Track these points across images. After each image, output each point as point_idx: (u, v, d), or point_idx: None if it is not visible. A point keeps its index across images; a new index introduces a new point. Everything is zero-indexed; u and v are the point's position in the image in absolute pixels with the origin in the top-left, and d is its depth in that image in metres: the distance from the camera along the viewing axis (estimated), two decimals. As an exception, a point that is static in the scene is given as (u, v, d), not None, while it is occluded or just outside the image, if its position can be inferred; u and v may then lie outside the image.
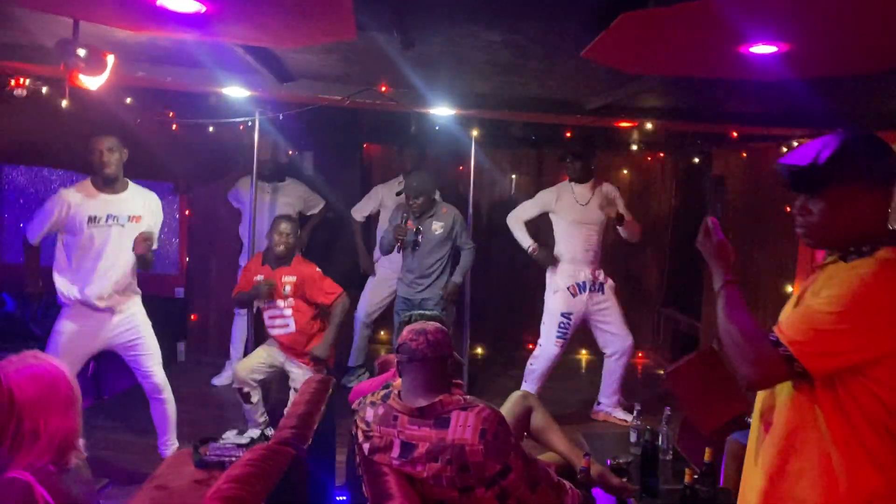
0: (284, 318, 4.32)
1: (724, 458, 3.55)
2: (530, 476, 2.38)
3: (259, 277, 4.35)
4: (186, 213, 6.19)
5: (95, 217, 3.77)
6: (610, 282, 5.10)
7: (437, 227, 4.85)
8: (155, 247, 3.97)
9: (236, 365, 4.37)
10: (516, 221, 5.11)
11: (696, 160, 6.18)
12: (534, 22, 2.33)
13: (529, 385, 5.05)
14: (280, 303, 4.32)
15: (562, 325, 4.99)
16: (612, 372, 5.11)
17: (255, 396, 4.29)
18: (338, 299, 4.31)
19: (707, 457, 3.20)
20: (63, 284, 3.79)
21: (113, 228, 3.81)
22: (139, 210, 3.88)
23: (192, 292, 6.30)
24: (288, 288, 4.31)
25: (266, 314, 4.38)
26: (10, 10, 2.54)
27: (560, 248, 5.06)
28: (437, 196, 5.13)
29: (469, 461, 2.25)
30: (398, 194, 5.38)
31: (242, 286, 4.47)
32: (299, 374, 4.25)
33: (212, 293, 6.22)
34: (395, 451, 2.38)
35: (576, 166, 4.93)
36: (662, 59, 2.32)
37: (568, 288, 5.00)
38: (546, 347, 5.01)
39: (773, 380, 1.71)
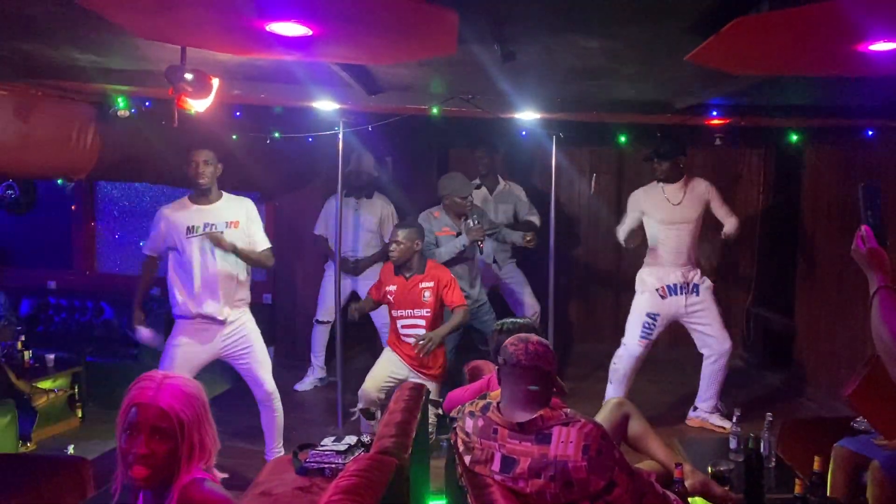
0: (418, 327, 4.32)
1: (831, 467, 3.43)
2: (636, 490, 2.34)
3: (391, 287, 4.38)
4: (272, 220, 6.35)
5: (193, 227, 3.89)
6: (707, 282, 4.91)
7: (472, 223, 4.87)
8: (264, 247, 4.09)
9: (366, 386, 4.32)
10: (623, 235, 5.02)
11: (788, 153, 5.96)
12: (634, 28, 2.29)
13: (615, 385, 4.98)
14: (417, 311, 4.33)
15: (646, 325, 4.88)
16: (709, 375, 4.94)
17: (378, 413, 4.29)
18: (461, 307, 4.33)
19: (816, 465, 3.09)
20: (177, 299, 3.94)
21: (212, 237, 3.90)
22: (235, 216, 3.97)
23: (279, 298, 6.46)
24: (427, 294, 4.31)
25: (399, 323, 4.38)
26: (118, 38, 2.65)
27: (651, 248, 4.94)
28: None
29: (573, 478, 2.24)
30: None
31: (372, 294, 4.54)
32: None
33: (298, 299, 6.35)
34: (496, 465, 2.38)
35: (663, 167, 4.79)
36: (772, 60, 2.25)
37: (657, 289, 4.87)
38: (629, 347, 4.92)
39: None
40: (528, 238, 4.97)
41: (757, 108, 4.14)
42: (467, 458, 2.49)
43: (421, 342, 4.19)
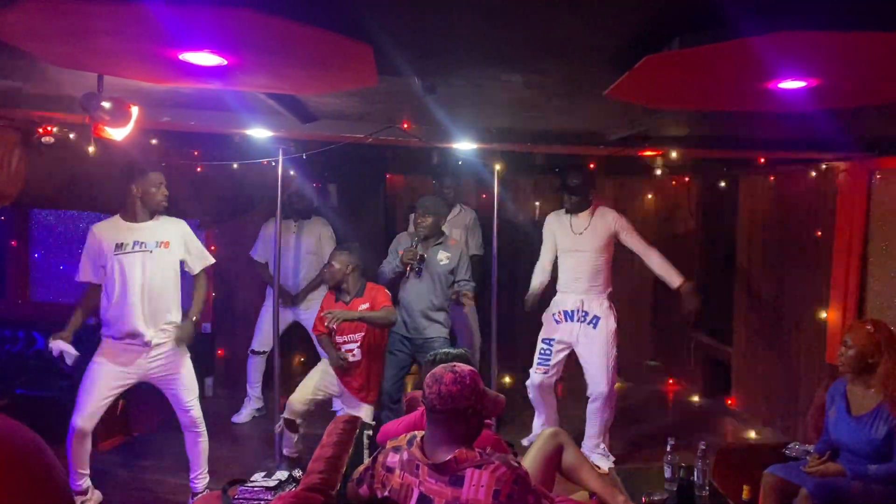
0: (355, 349, 4.37)
1: (762, 494, 3.46)
2: None
3: (331, 313, 4.38)
4: (212, 248, 6.22)
5: (122, 244, 3.85)
6: (611, 322, 4.71)
7: (444, 258, 4.67)
8: (212, 261, 4.21)
9: (293, 397, 4.38)
10: (536, 271, 4.99)
11: (723, 184, 6.11)
12: (555, 63, 2.31)
13: (537, 414, 4.95)
14: (355, 335, 4.38)
15: (542, 352, 4.79)
16: (591, 415, 4.74)
17: (302, 427, 4.35)
18: (388, 308, 4.36)
19: (745, 494, 3.14)
20: (105, 318, 3.87)
21: (141, 255, 3.86)
22: (167, 236, 3.95)
23: (218, 327, 6.32)
24: None
25: (338, 338, 4.40)
26: (38, 65, 2.58)
27: (559, 275, 4.90)
28: (446, 228, 5.06)
29: None
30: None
31: (317, 325, 4.52)
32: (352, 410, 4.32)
33: (238, 328, 6.22)
34: (412, 502, 2.36)
35: (572, 200, 4.73)
36: (687, 96, 2.29)
37: (554, 314, 4.83)
38: (531, 374, 4.84)
39: None
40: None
41: (690, 139, 4.22)
42: (383, 492, 2.46)
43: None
